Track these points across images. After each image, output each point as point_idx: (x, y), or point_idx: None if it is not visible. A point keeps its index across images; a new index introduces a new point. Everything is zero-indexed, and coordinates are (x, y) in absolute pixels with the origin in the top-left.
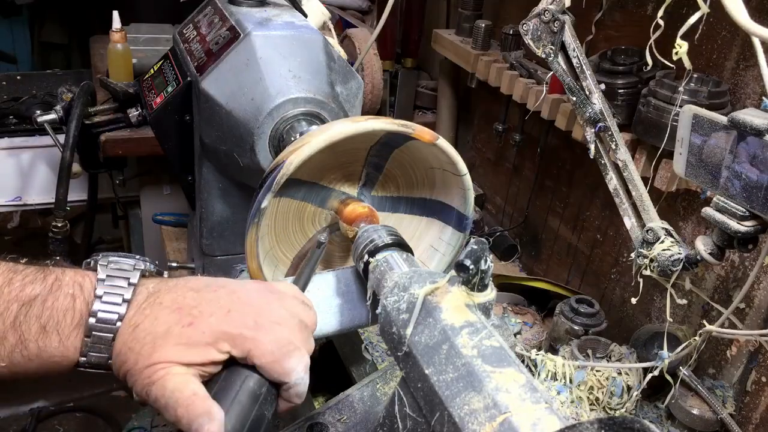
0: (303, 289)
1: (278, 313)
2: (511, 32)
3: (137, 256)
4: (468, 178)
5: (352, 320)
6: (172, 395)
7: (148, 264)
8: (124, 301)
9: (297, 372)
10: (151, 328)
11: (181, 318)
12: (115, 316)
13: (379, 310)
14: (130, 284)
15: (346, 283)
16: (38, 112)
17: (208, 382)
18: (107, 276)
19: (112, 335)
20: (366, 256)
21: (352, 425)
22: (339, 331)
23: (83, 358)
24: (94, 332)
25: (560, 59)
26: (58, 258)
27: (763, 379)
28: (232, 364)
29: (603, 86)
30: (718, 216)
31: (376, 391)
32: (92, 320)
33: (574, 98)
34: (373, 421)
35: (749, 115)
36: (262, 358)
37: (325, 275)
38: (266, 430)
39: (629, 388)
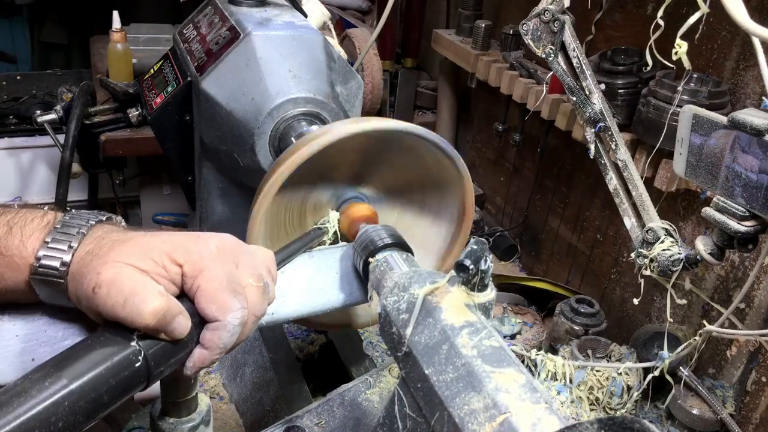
0: (280, 263)
1: (244, 260)
2: (511, 32)
3: None
4: (468, 178)
5: (352, 296)
6: (118, 282)
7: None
8: (98, 221)
9: (234, 314)
10: (116, 236)
11: (147, 233)
12: (84, 221)
13: (379, 310)
14: (99, 218)
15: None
16: (38, 112)
17: None
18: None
19: (76, 235)
20: (366, 256)
21: (330, 430)
22: (344, 306)
23: (37, 262)
24: (55, 235)
25: (560, 59)
26: None
27: (763, 379)
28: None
29: (603, 86)
30: (718, 216)
31: (358, 396)
32: (58, 225)
33: (574, 98)
34: (352, 427)
35: (749, 115)
36: (209, 283)
37: (333, 250)
38: (179, 362)
39: (629, 388)
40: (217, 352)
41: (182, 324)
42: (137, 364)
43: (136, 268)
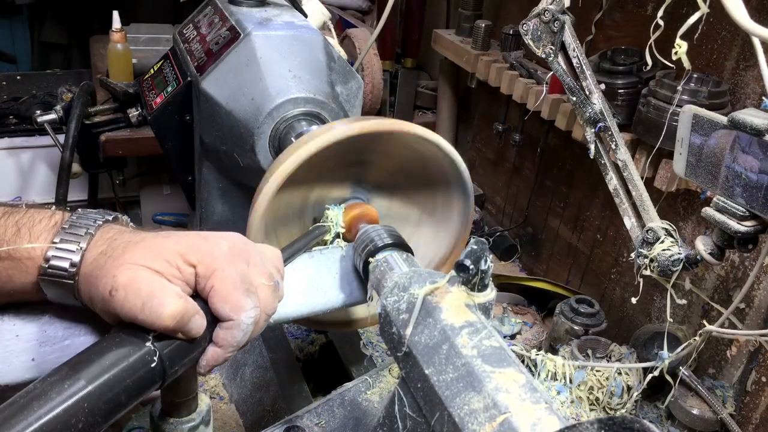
0: (286, 260)
1: (254, 259)
2: (511, 32)
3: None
4: (468, 177)
5: (352, 296)
6: (135, 285)
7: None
8: (105, 221)
9: (247, 313)
10: (128, 237)
11: (158, 234)
12: (92, 221)
13: (379, 310)
14: (106, 218)
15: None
16: (38, 112)
17: None
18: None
19: (85, 235)
20: (366, 256)
21: (330, 430)
22: (344, 306)
23: (46, 264)
24: (63, 235)
25: (560, 59)
26: None
27: (763, 379)
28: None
29: (603, 86)
30: (718, 216)
31: (358, 396)
32: (65, 226)
33: (574, 98)
34: (352, 427)
35: (749, 115)
36: (223, 283)
37: (333, 251)
38: (193, 361)
39: (629, 388)
40: (231, 351)
41: (198, 324)
42: (153, 365)
43: (151, 269)
